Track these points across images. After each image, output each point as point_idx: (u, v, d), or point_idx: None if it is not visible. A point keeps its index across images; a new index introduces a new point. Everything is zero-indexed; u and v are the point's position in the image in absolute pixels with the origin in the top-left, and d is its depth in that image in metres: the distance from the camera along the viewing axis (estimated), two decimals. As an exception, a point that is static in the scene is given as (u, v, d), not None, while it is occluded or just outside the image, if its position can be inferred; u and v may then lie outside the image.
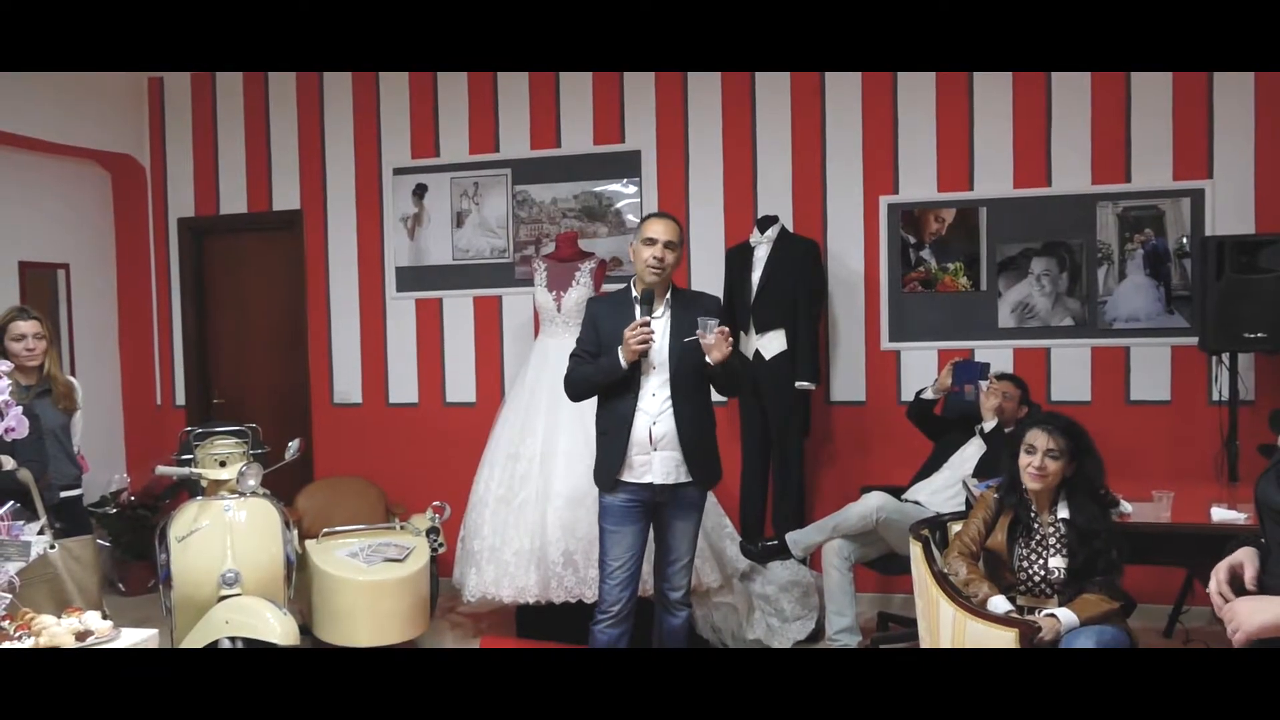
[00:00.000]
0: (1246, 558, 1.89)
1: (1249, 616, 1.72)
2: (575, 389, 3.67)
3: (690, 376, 3.52)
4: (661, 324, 3.55)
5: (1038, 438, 3.24)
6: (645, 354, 3.47)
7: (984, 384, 4.43)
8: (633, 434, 3.51)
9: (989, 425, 4.31)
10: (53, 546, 3.44)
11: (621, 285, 3.75)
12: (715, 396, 3.65)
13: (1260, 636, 1.75)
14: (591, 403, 3.69)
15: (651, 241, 3.53)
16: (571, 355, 3.69)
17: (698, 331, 3.39)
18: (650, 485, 3.54)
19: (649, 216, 3.68)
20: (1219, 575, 1.89)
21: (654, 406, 3.52)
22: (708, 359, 3.41)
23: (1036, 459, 3.22)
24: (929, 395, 4.65)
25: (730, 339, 3.40)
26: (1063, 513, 3.25)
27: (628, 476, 3.55)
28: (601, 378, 3.55)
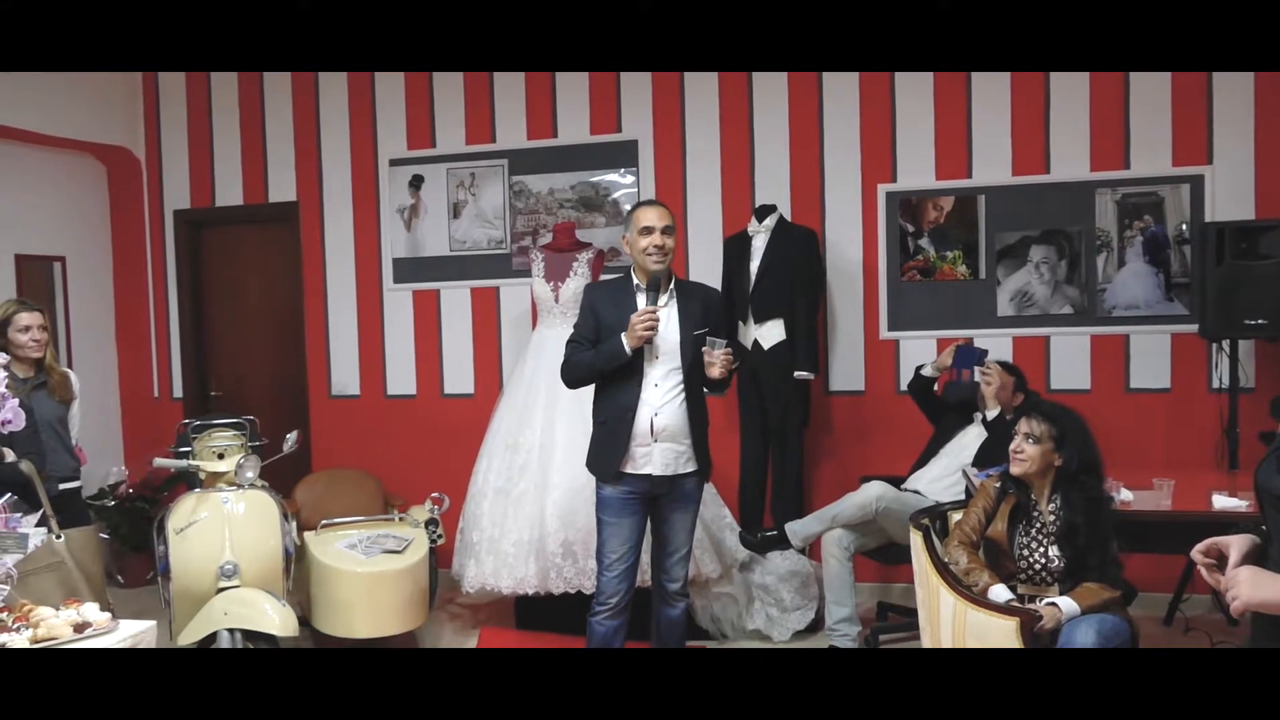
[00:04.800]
0: (1234, 542, 1.90)
1: (1252, 590, 1.72)
2: (574, 375, 3.60)
3: (698, 368, 3.50)
4: (668, 313, 3.51)
5: (1021, 423, 3.31)
6: (650, 341, 3.44)
7: (979, 370, 4.41)
8: (636, 425, 3.47)
9: (991, 413, 4.29)
10: (59, 536, 3.44)
11: (618, 275, 3.72)
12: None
13: (1259, 610, 1.74)
14: (590, 393, 3.67)
15: (649, 230, 3.48)
16: (569, 342, 3.63)
17: (704, 349, 3.41)
18: (649, 477, 3.50)
19: (638, 206, 3.62)
20: (1199, 547, 1.91)
21: (656, 397, 3.48)
22: (708, 373, 3.43)
23: (1015, 442, 3.27)
24: (928, 372, 4.64)
25: (733, 362, 3.45)
26: (1059, 502, 3.25)
27: (628, 468, 3.50)
28: (604, 363, 3.48)
